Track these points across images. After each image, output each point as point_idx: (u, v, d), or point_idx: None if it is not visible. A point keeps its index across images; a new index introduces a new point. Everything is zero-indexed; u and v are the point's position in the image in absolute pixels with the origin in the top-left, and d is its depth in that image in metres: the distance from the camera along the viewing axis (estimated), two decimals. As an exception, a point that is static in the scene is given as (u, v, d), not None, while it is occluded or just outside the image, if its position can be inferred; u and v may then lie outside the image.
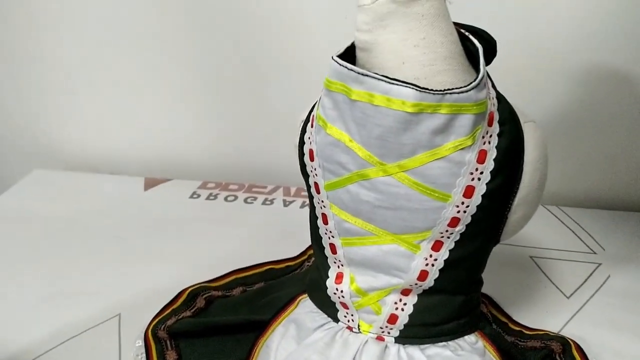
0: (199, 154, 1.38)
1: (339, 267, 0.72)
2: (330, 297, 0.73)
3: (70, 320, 0.91)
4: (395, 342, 0.72)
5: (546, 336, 0.83)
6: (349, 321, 0.74)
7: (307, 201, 1.22)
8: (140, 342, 0.86)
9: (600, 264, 0.98)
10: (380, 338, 0.72)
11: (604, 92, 1.09)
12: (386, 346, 0.72)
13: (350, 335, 0.73)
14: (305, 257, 1.01)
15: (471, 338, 0.72)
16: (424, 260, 0.66)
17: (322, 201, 0.69)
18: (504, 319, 0.87)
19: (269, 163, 1.35)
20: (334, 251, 0.71)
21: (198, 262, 1.03)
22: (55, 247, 1.08)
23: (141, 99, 1.34)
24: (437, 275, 0.67)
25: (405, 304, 0.70)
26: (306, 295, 0.79)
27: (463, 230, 0.64)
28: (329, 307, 0.75)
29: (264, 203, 1.23)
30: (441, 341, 0.71)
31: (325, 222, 0.70)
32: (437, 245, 0.66)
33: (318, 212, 0.71)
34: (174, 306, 0.91)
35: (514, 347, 0.79)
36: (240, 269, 1.00)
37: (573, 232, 1.06)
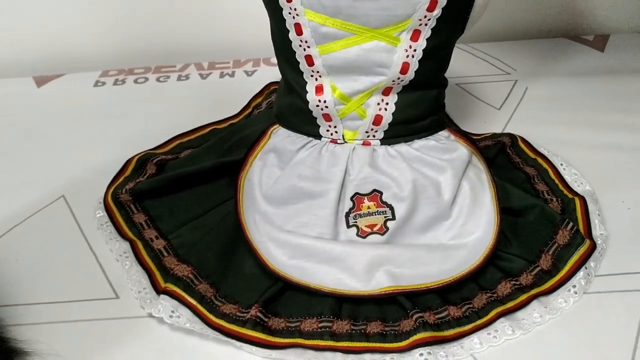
0: (89, 45, 1.26)
1: (316, 79, 0.72)
2: (312, 112, 0.73)
3: (9, 210, 0.83)
4: (381, 144, 0.74)
5: (494, 135, 0.91)
6: (332, 134, 0.74)
7: (226, 71, 1.19)
8: (102, 212, 0.80)
9: (517, 80, 1.08)
10: (366, 143, 0.74)
11: None
12: (373, 149, 0.74)
13: (336, 147, 0.74)
14: (250, 109, 0.99)
15: (444, 133, 0.77)
16: (404, 52, 0.68)
17: (295, 9, 0.68)
18: (454, 127, 0.93)
19: (170, 44, 1.27)
20: (310, 63, 0.71)
21: (128, 140, 0.96)
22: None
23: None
24: (417, 67, 0.70)
25: (387, 104, 0.72)
26: (277, 125, 0.78)
27: (439, 14, 0.67)
28: (309, 125, 0.75)
29: (179, 79, 1.17)
30: (422, 137, 0.75)
31: (299, 33, 0.69)
32: (415, 35, 0.68)
33: (289, 24, 0.70)
34: (125, 174, 0.86)
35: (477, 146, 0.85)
36: (182, 133, 0.96)
37: (485, 60, 1.15)
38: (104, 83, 1.17)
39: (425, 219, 0.71)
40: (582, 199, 0.77)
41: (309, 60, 0.71)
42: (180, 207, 0.79)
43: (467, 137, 0.78)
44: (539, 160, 0.86)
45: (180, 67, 1.21)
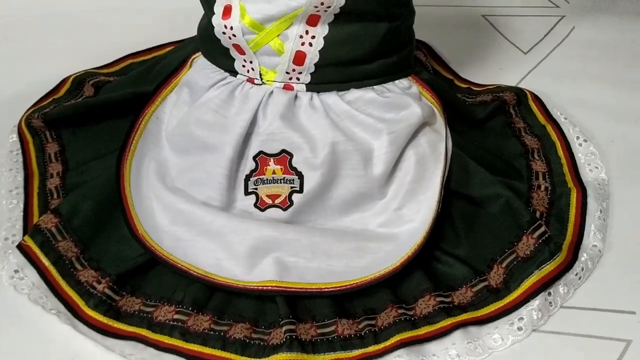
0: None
1: (226, -2, 0.55)
2: (220, 40, 0.57)
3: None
4: (307, 90, 0.56)
5: (498, 89, 0.70)
6: (248, 71, 0.58)
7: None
8: (15, 137, 0.70)
9: (563, 17, 0.84)
10: (288, 87, 0.57)
11: None
12: (296, 95, 0.57)
13: (252, 89, 0.58)
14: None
15: (403, 82, 0.58)
16: (331, -36, 0.50)
17: None
18: (448, 75, 0.73)
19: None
20: (217, -28, 0.54)
21: (88, 54, 0.84)
22: None
23: None
24: None
25: (313, 37, 0.54)
26: (199, 53, 0.63)
27: None
28: (222, 57, 0.59)
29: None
30: (365, 85, 0.56)
31: None
32: (347, -56, 0.49)
33: None
34: (56, 95, 0.76)
35: (459, 102, 0.65)
36: (135, 52, 0.82)
37: (533, -14, 0.90)
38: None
39: (347, 196, 0.55)
40: (582, 192, 0.57)
41: (216, -31, 0.54)
42: (94, 140, 0.68)
43: (437, 92, 0.59)
44: (549, 128, 0.65)
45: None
